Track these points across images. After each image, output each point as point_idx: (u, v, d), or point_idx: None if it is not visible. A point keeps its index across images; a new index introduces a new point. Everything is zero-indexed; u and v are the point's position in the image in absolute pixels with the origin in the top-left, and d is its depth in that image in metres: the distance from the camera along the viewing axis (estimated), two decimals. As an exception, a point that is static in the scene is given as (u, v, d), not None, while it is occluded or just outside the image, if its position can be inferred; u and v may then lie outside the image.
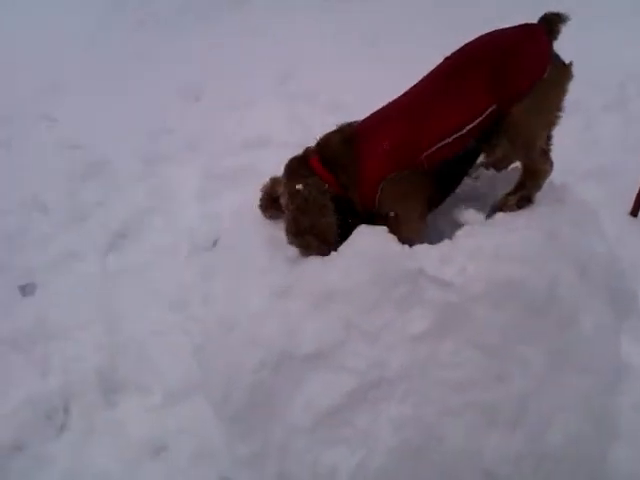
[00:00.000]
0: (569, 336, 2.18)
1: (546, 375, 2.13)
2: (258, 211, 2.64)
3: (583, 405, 2.17)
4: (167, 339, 3.56)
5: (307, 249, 2.37)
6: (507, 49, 2.24)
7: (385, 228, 2.24)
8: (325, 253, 2.33)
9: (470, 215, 2.35)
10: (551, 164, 2.43)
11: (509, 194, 2.41)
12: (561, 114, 2.33)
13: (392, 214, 2.32)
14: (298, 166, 2.43)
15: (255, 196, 2.72)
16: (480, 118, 2.27)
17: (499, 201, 2.43)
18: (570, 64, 2.28)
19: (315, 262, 2.25)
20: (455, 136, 2.28)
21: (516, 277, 2.13)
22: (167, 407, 3.26)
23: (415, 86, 2.41)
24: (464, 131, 2.27)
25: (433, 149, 2.28)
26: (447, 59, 2.37)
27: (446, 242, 2.24)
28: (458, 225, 2.33)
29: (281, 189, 2.44)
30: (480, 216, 2.37)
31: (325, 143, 2.43)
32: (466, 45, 2.33)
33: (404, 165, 2.29)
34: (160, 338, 3.57)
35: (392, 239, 2.20)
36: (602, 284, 2.39)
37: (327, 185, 2.35)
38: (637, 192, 3.56)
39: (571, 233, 2.33)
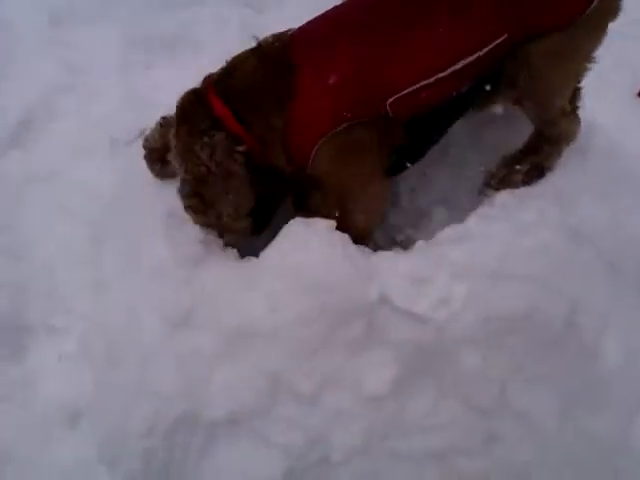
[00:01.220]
0: (587, 373, 1.56)
1: (553, 429, 1.53)
2: None
3: (594, 459, 1.60)
4: (77, 271, 2.81)
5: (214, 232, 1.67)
6: None
7: (329, 225, 1.50)
8: (235, 242, 1.65)
9: (456, 193, 1.62)
10: (578, 122, 1.68)
11: (515, 160, 1.67)
12: (591, 65, 1.60)
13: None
14: (193, 108, 1.59)
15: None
16: (484, 50, 1.48)
17: (499, 170, 1.69)
18: None
19: (229, 280, 1.53)
20: (442, 75, 1.49)
21: (524, 306, 1.45)
22: (84, 354, 2.61)
23: None
24: (457, 67, 1.49)
25: (405, 92, 1.50)
26: None
27: (420, 247, 1.52)
28: (439, 212, 1.60)
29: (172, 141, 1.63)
30: (470, 196, 1.63)
31: (233, 70, 1.58)
32: None
33: (358, 113, 1.50)
34: (71, 269, 2.83)
35: (341, 243, 1.47)
36: (634, 281, 1.72)
37: (243, 145, 1.55)
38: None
39: (599, 222, 1.62)
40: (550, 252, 1.50)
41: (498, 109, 1.85)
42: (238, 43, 3.10)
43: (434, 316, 1.41)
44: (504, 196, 1.60)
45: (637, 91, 2.81)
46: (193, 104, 1.59)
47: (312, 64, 1.50)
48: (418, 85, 1.49)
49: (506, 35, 1.47)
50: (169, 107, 2.81)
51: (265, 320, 1.43)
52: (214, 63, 3.04)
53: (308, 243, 1.46)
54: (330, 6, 3.02)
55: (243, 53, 1.59)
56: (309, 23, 1.59)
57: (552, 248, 1.51)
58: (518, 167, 1.65)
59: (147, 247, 1.66)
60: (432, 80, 1.49)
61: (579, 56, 1.58)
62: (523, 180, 1.64)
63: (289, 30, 1.58)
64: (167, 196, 1.76)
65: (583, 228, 1.59)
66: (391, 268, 1.45)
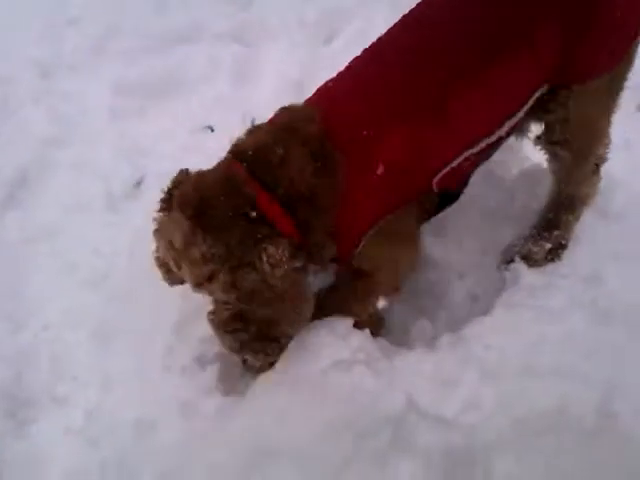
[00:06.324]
0: (627, 463, 1.47)
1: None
2: None
3: None
4: (84, 333, 2.71)
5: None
6: None
7: (346, 324, 1.40)
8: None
9: (475, 269, 1.52)
10: (598, 182, 1.57)
11: (535, 236, 1.58)
12: None
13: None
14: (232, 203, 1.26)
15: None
16: (528, 104, 1.38)
17: (520, 245, 1.60)
18: None
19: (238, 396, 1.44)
20: (489, 140, 1.39)
21: (556, 402, 1.37)
22: (91, 426, 2.53)
23: (414, 37, 1.38)
24: (502, 129, 1.39)
25: (454, 165, 1.38)
26: None
27: (445, 341, 1.44)
28: (457, 292, 1.50)
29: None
30: (489, 272, 1.54)
31: (279, 161, 1.27)
32: None
33: (405, 199, 1.36)
34: (76, 332, 2.73)
35: (359, 344, 1.38)
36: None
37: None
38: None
39: (627, 294, 1.53)
40: (580, 339, 1.41)
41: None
42: (230, 83, 3.04)
43: (463, 420, 1.33)
44: (530, 277, 1.50)
45: None
46: (229, 197, 1.26)
47: (354, 147, 1.30)
48: (468, 153, 1.38)
49: (546, 85, 1.37)
50: (164, 155, 2.71)
51: (282, 438, 1.33)
52: (204, 106, 2.95)
53: (321, 346, 1.37)
54: (323, 46, 2.87)
55: (277, 134, 1.31)
56: (341, 86, 1.39)
57: (582, 334, 1.41)
58: (540, 244, 1.55)
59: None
60: (482, 147, 1.38)
61: (619, 93, 1.46)
62: (547, 258, 1.55)
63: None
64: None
65: (611, 305, 1.49)
66: (415, 367, 1.36)
